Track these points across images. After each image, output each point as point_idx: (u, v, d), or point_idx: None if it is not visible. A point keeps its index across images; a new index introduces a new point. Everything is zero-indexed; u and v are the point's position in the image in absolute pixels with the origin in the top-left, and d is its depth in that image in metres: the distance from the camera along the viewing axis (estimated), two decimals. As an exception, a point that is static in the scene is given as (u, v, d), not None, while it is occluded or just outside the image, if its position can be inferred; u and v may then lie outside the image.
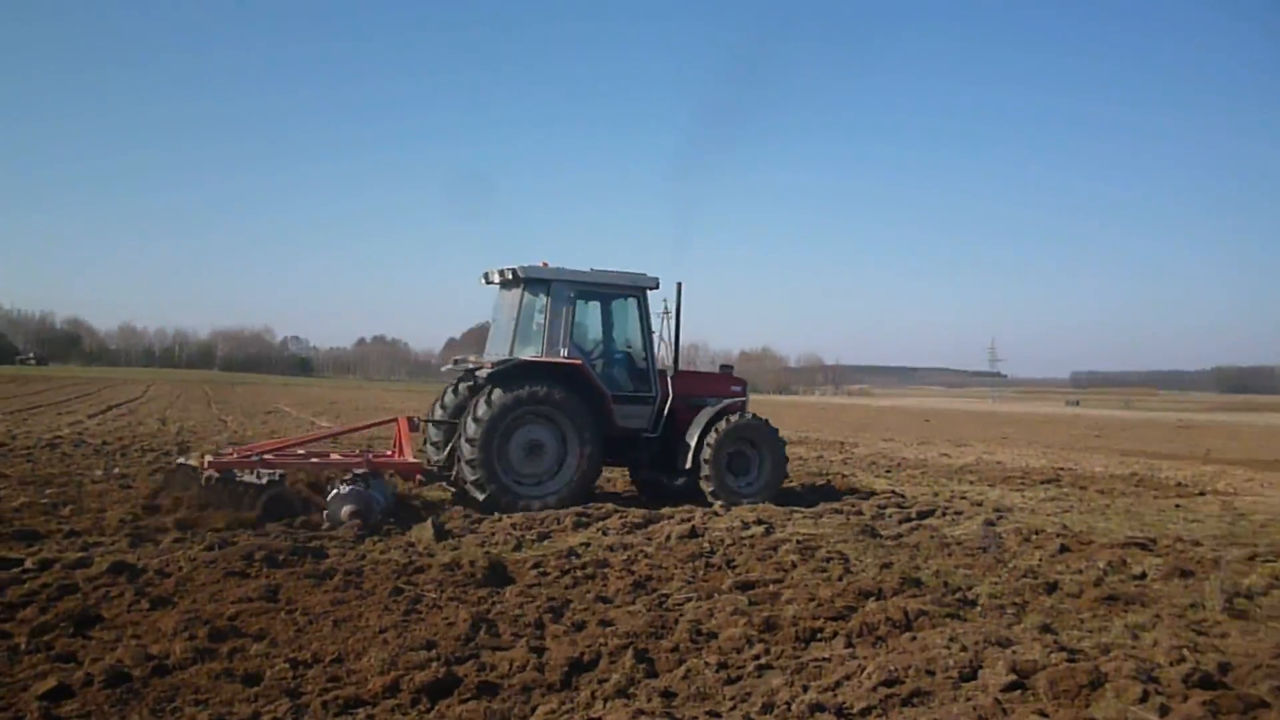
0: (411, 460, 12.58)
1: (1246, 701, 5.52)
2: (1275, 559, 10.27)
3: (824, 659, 6.28)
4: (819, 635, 6.85)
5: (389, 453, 13.16)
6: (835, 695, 5.54)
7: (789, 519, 11.99)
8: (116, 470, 15.03)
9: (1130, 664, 5.96)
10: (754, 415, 13.77)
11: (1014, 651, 6.32)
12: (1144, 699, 5.46)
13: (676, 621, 6.99)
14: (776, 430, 13.93)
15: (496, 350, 13.34)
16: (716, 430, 13.30)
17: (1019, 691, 5.64)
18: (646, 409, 13.50)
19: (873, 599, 7.77)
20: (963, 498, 15.58)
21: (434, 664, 5.79)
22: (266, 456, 11.83)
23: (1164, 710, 5.31)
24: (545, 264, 12.95)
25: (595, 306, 13.63)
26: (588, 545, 10.05)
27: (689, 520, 11.33)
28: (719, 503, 12.99)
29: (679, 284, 13.55)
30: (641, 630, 6.72)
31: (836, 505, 13.36)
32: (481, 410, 12.16)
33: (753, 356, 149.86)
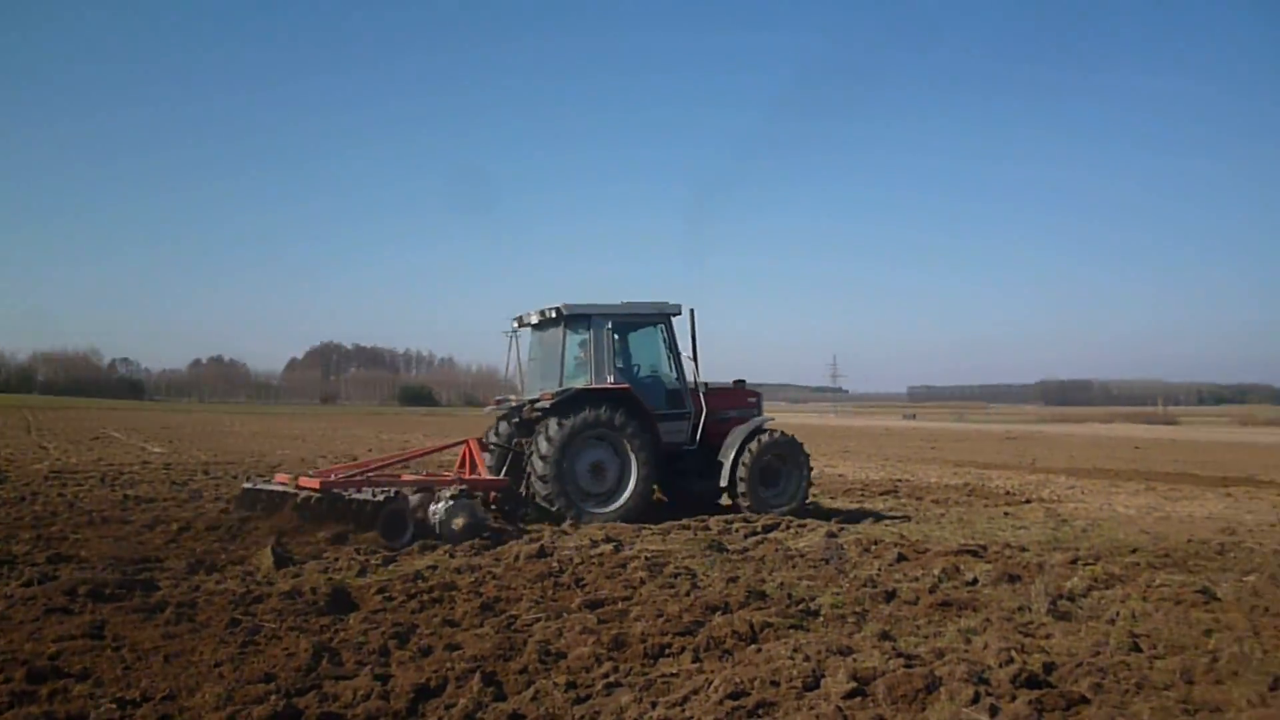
0: (497, 479, 13.76)
1: (1069, 699, 5.83)
2: (1095, 562, 10.85)
3: (672, 674, 6.33)
4: (667, 651, 6.91)
5: (461, 473, 13.74)
6: (683, 710, 5.59)
7: (637, 536, 12.07)
8: None
9: (963, 667, 6.21)
10: (782, 432, 15.03)
11: (854, 659, 6.51)
12: (975, 700, 5.69)
13: (525, 643, 6.94)
14: (803, 445, 15.19)
15: (544, 385, 14.45)
16: (750, 448, 14.49)
17: (859, 698, 5.80)
18: (684, 424, 14.78)
19: (719, 613, 7.88)
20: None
21: (273, 697, 5.60)
22: (365, 476, 12.93)
23: (994, 710, 5.55)
24: (551, 306, 14.23)
25: (629, 335, 14.89)
26: (434, 568, 9.89)
27: (538, 540, 11.28)
28: (750, 512, 14.18)
29: (692, 310, 14.56)
30: (489, 653, 6.65)
31: (684, 521, 13.52)
32: (549, 436, 13.28)
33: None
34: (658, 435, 14.23)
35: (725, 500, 15.21)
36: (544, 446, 13.26)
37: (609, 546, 11.13)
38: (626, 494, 13.75)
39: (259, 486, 13.27)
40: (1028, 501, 19.15)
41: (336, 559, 10.37)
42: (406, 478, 13.60)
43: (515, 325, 15.11)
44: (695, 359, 14.75)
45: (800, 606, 8.30)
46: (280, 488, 12.73)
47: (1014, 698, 5.78)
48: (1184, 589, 9.28)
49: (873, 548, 11.51)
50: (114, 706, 5.49)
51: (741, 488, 14.43)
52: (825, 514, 15.46)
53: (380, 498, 11.69)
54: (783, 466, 14.94)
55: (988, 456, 36.53)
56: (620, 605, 8.23)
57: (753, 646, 6.97)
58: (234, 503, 13.42)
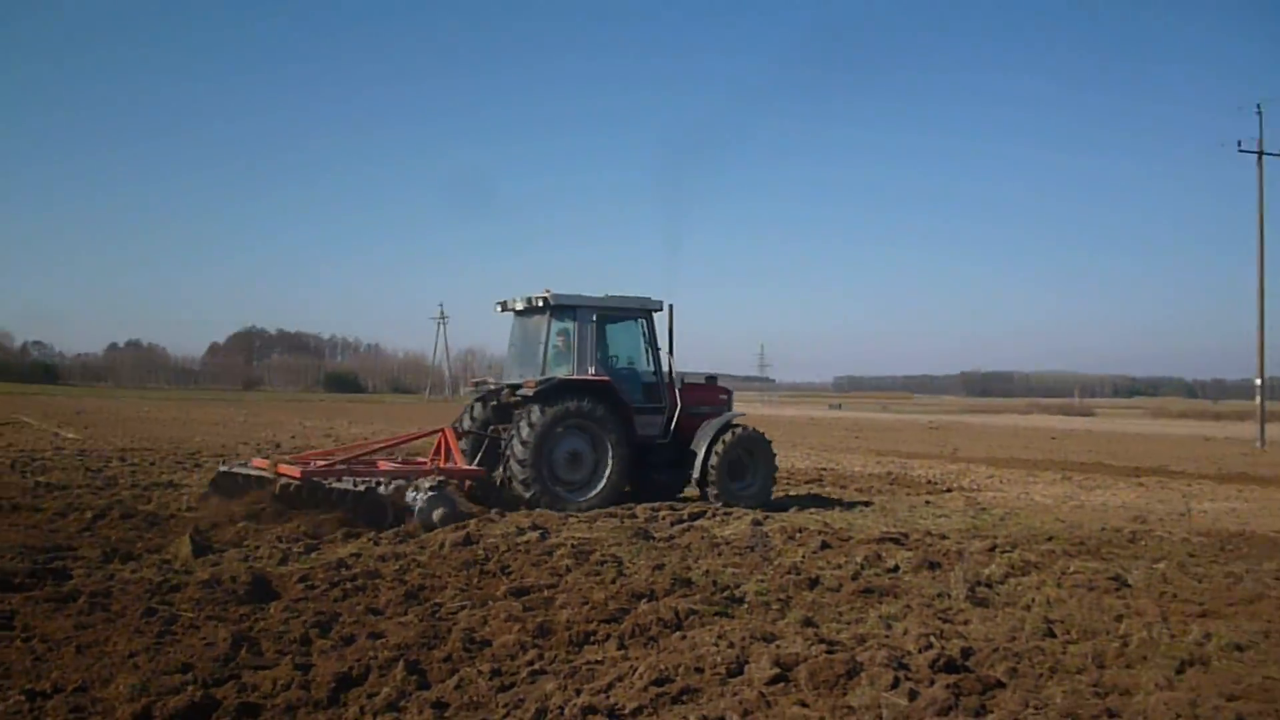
0: (475, 469, 14.01)
1: (985, 683, 5.96)
2: (1012, 550, 11.09)
3: (597, 661, 6.34)
4: (592, 638, 6.92)
5: (437, 462, 13.83)
6: (608, 697, 5.60)
7: (564, 523, 12.06)
8: None
9: (883, 653, 6.32)
10: (752, 428, 15.43)
11: (778, 646, 6.59)
12: (895, 685, 5.79)
13: (449, 631, 6.90)
14: (770, 441, 15.60)
15: (524, 371, 14.76)
16: (723, 441, 14.83)
17: (782, 684, 5.87)
18: (659, 418, 15.03)
19: (645, 600, 7.92)
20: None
21: (190, 687, 5.49)
22: (347, 465, 13.02)
23: (913, 695, 5.65)
24: (548, 291, 14.26)
25: (611, 328, 15.01)
26: (358, 556, 9.77)
27: (463, 528, 11.21)
28: (719, 504, 14.42)
29: (670, 306, 15.06)
30: (413, 641, 6.59)
31: (611, 509, 13.53)
32: (531, 422, 13.45)
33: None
34: (634, 428, 14.51)
35: (690, 492, 15.58)
36: (525, 432, 13.45)
37: (535, 534, 11.10)
38: (601, 484, 14.01)
39: (235, 470, 13.35)
40: (948, 490, 19.52)
41: (258, 547, 10.20)
42: (384, 465, 13.66)
43: (499, 309, 15.37)
44: (671, 354, 15.17)
45: (725, 594, 8.37)
46: (258, 472, 12.75)
47: (932, 682, 5.89)
48: (1097, 576, 9.55)
49: (797, 535, 11.64)
50: (23, 699, 5.33)
51: (712, 477, 14.75)
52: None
53: (361, 488, 11.85)
54: (750, 461, 15.26)
55: (911, 446, 37.13)
56: (546, 593, 8.22)
57: (678, 633, 7.01)
58: (210, 485, 13.39)
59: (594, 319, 14.39)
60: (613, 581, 8.68)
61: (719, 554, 10.46)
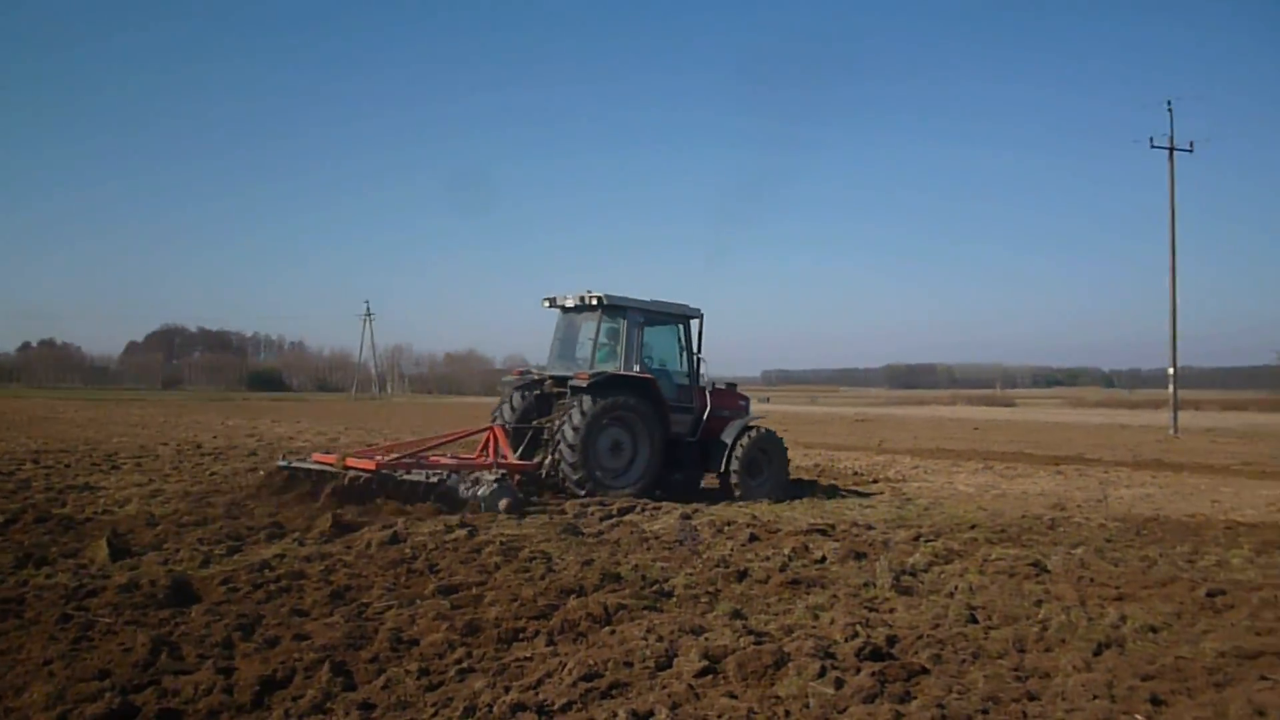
0: (529, 463, 14.84)
1: (910, 669, 6.06)
2: (936, 539, 11.30)
3: (526, 658, 6.32)
4: (521, 635, 6.89)
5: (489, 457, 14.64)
6: (537, 694, 5.59)
7: (493, 520, 12.00)
8: None
9: (810, 642, 6.39)
10: (768, 430, 16.72)
11: (706, 638, 6.63)
12: (822, 674, 5.87)
13: (376, 631, 6.82)
14: (782, 441, 16.98)
15: (567, 364, 15.78)
16: (742, 442, 16.02)
17: (711, 676, 5.90)
18: (689, 418, 16.19)
19: (574, 596, 7.91)
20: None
21: (108, 694, 5.35)
22: (404, 460, 13.71)
23: (839, 683, 5.73)
24: (590, 292, 15.31)
25: (653, 330, 15.98)
26: (282, 557, 9.60)
27: (390, 527, 11.10)
28: (739, 497, 15.63)
29: (701, 314, 16.30)
30: (339, 642, 6.51)
31: (540, 505, 13.50)
32: (583, 410, 14.33)
33: (459, 359, 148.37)
34: (670, 424, 15.50)
35: (704, 485, 16.99)
36: (576, 419, 14.34)
37: (463, 532, 11.02)
38: (638, 473, 15.05)
39: (294, 465, 13.97)
40: (874, 481, 19.80)
41: (178, 550, 9.98)
42: (443, 460, 14.42)
43: (547, 304, 16.14)
44: (703, 359, 16.52)
45: (654, 588, 8.40)
46: (320, 467, 13.50)
47: (858, 670, 5.97)
48: (1018, 562, 9.76)
49: (726, 529, 11.72)
50: (-69, 710, 5.17)
51: (735, 478, 15.88)
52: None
53: (434, 479, 12.84)
54: (765, 459, 16.43)
55: (838, 438, 37.56)
56: (474, 590, 8.17)
57: (607, 628, 7.01)
58: (265, 479, 14.00)
59: (641, 320, 15.51)
60: (542, 578, 8.66)
61: (648, 548, 10.48)
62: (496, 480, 13.06)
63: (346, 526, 11.19)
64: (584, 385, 14.57)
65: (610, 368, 15.13)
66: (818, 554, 10.21)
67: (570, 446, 14.31)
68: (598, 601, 7.57)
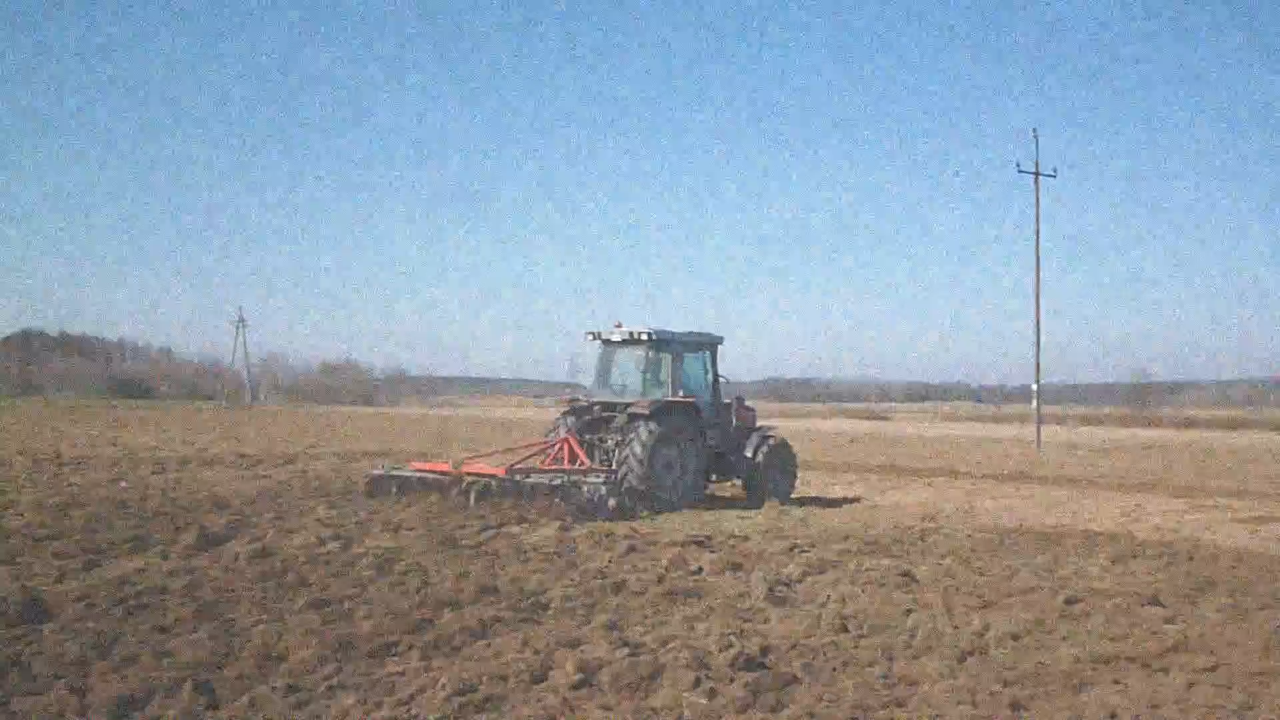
0: (612, 469, 16.10)
1: (783, 679, 6.17)
2: (810, 549, 11.50)
3: (399, 673, 6.21)
4: (394, 650, 6.76)
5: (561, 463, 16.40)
6: (409, 710, 5.51)
7: (367, 533, 11.79)
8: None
9: (686, 653, 6.45)
10: (782, 439, 18.66)
11: (582, 650, 6.62)
12: (696, 684, 5.93)
13: (243, 647, 6.62)
14: (792, 448, 18.87)
15: (614, 392, 17.70)
16: (763, 450, 17.99)
17: (586, 688, 5.90)
18: (719, 432, 17.80)
19: (450, 609, 7.81)
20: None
21: (-51, 717, 5.08)
22: (518, 465, 15.46)
23: (712, 694, 5.79)
24: (619, 324, 17.40)
25: (689, 357, 17.81)
26: (144, 571, 9.26)
27: (260, 540, 10.80)
28: (757, 499, 17.33)
29: (722, 339, 18.37)
30: (203, 660, 6.30)
31: (419, 516, 13.28)
32: (650, 431, 16.02)
33: (336, 368, 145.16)
34: (708, 440, 17.25)
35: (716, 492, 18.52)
36: (645, 438, 15.96)
37: (337, 544, 10.80)
38: (689, 485, 16.63)
39: (393, 473, 16.03)
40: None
41: (32, 564, 9.53)
42: (560, 467, 16.04)
43: (589, 338, 17.89)
44: (723, 378, 18.36)
45: (531, 600, 8.35)
46: (421, 474, 15.71)
47: (732, 680, 6.05)
48: (888, 572, 10.00)
49: (604, 540, 11.73)
50: None
51: (757, 481, 17.80)
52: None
53: (558, 482, 14.32)
54: (782, 463, 18.32)
55: (717, 450, 37.80)
56: (347, 604, 8.00)
57: (482, 641, 6.96)
58: (367, 486, 15.84)
59: (680, 350, 17.36)
60: (417, 591, 8.54)
61: (526, 560, 10.42)
62: (604, 483, 14.59)
63: (213, 539, 10.86)
64: (645, 413, 16.24)
65: (658, 394, 17.01)
66: (694, 565, 10.29)
67: (640, 462, 15.87)
68: (474, 614, 7.50)
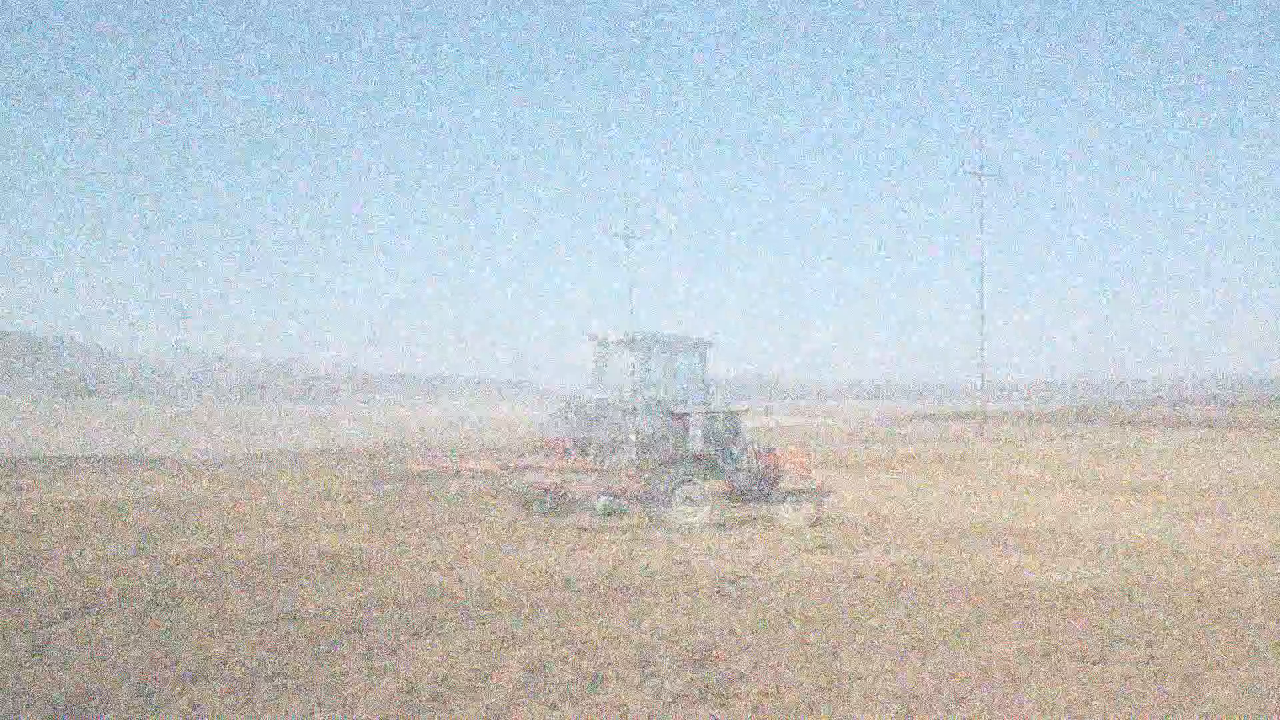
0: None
1: (728, 675, 6.18)
2: (757, 545, 11.53)
3: (341, 674, 6.13)
4: (337, 649, 6.68)
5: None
6: (352, 710, 5.45)
7: (312, 532, 11.66)
8: None
9: (631, 651, 6.44)
10: (765, 444, 18.70)
11: (527, 649, 6.56)
12: (642, 682, 5.91)
13: (183, 649, 6.51)
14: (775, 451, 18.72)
15: (608, 389, 17.51)
16: (752, 451, 17.77)
17: (531, 687, 5.87)
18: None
19: (394, 608, 7.71)
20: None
21: None
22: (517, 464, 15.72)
23: (658, 691, 5.79)
24: (629, 331, 17.58)
25: (681, 359, 18.07)
26: (82, 572, 9.06)
27: (202, 541, 10.64)
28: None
29: (711, 343, 18.44)
30: (142, 661, 6.18)
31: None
32: (636, 434, 16.16)
33: (280, 368, 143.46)
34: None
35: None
36: (635, 436, 16.15)
37: (278, 544, 10.66)
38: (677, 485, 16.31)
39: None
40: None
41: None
42: (556, 464, 16.13)
43: (587, 339, 18.18)
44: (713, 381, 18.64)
45: (477, 598, 8.29)
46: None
47: (677, 677, 6.04)
48: (835, 568, 10.05)
49: (550, 537, 11.69)
50: None
51: (755, 485, 17.53)
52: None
53: (549, 480, 14.92)
54: (770, 466, 18.37)
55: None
56: (289, 604, 7.88)
57: (426, 640, 6.89)
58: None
59: (673, 352, 17.78)
60: (361, 589, 8.45)
61: (472, 557, 10.35)
62: (601, 490, 14.89)
63: (154, 540, 10.67)
64: (636, 411, 16.90)
65: (653, 393, 17.42)
66: (641, 562, 10.29)
67: (630, 462, 16.12)
68: (418, 613, 7.43)
